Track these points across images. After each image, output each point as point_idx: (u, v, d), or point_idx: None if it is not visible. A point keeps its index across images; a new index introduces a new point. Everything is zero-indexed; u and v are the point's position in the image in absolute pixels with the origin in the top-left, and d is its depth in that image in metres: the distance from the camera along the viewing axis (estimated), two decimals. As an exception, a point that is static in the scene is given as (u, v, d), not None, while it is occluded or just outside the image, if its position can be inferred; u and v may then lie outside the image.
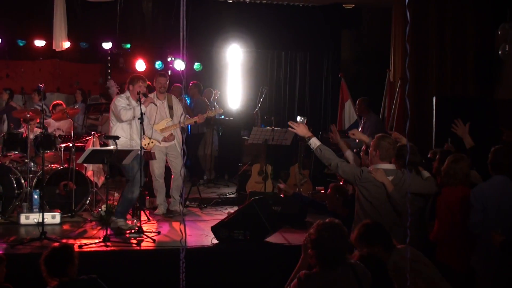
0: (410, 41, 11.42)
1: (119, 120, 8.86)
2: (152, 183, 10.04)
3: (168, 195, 10.21)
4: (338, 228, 4.68)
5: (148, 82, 9.26)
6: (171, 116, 9.94)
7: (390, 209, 6.15)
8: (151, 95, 9.76)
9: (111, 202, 9.24)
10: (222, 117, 13.58)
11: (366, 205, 6.25)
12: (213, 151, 13.27)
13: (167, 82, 9.99)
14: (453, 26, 11.95)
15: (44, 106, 8.72)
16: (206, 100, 13.70)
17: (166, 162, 10.06)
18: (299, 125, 6.62)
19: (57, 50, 11.65)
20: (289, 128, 6.74)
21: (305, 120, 7.30)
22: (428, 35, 12.01)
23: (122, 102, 8.88)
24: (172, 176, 10.07)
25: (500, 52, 10.23)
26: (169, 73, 13.07)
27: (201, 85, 13.89)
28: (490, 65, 11.75)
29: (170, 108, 9.99)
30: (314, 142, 6.44)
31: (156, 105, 9.37)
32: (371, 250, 5.30)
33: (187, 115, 10.76)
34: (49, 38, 11.71)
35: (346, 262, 4.71)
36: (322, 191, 11.12)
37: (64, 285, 5.16)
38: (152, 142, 9.52)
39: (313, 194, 10.83)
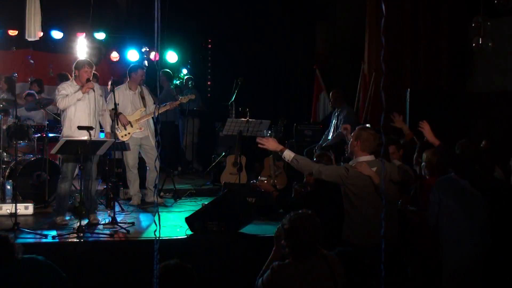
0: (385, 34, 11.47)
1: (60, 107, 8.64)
2: (126, 173, 10.00)
3: (143, 186, 10.19)
4: (311, 218, 4.69)
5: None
6: (144, 106, 9.97)
7: (380, 200, 6.07)
8: (122, 86, 9.80)
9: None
10: (195, 108, 13.62)
11: (357, 201, 6.07)
12: (194, 140, 13.39)
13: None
14: (427, 19, 12.02)
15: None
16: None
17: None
18: (268, 140, 6.40)
19: (29, 39, 11.44)
20: (259, 145, 6.46)
21: (273, 134, 7.15)
22: (403, 28, 12.07)
23: (64, 90, 8.49)
24: (148, 168, 10.03)
25: (473, 45, 10.29)
26: (146, 63, 13.09)
27: (170, 72, 13.86)
28: (463, 58, 11.84)
29: (143, 98, 10.00)
30: (288, 154, 6.24)
31: (119, 93, 9.46)
32: None
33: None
34: (21, 27, 11.56)
35: (319, 252, 4.73)
36: None
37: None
38: (129, 133, 9.52)
39: None
